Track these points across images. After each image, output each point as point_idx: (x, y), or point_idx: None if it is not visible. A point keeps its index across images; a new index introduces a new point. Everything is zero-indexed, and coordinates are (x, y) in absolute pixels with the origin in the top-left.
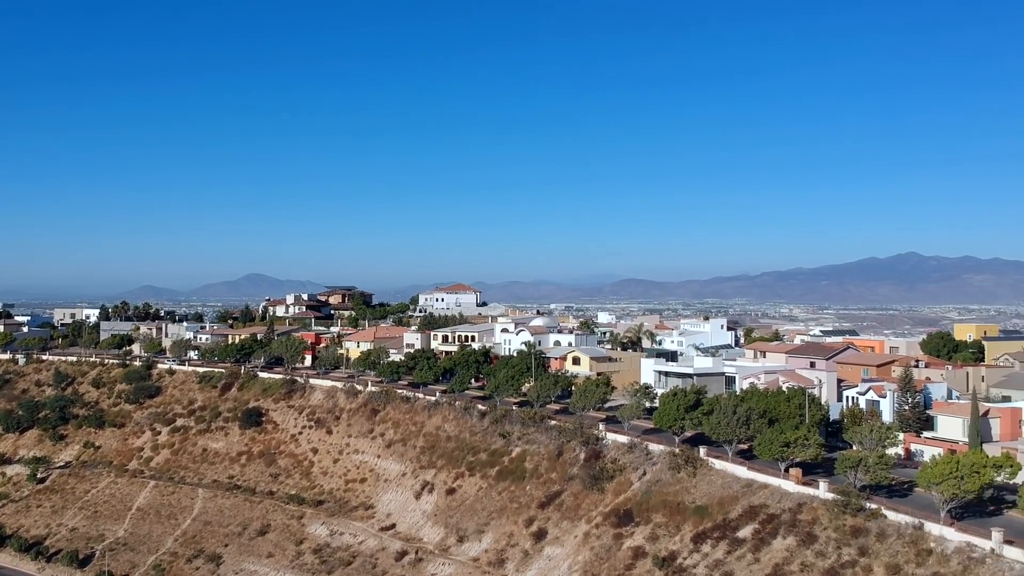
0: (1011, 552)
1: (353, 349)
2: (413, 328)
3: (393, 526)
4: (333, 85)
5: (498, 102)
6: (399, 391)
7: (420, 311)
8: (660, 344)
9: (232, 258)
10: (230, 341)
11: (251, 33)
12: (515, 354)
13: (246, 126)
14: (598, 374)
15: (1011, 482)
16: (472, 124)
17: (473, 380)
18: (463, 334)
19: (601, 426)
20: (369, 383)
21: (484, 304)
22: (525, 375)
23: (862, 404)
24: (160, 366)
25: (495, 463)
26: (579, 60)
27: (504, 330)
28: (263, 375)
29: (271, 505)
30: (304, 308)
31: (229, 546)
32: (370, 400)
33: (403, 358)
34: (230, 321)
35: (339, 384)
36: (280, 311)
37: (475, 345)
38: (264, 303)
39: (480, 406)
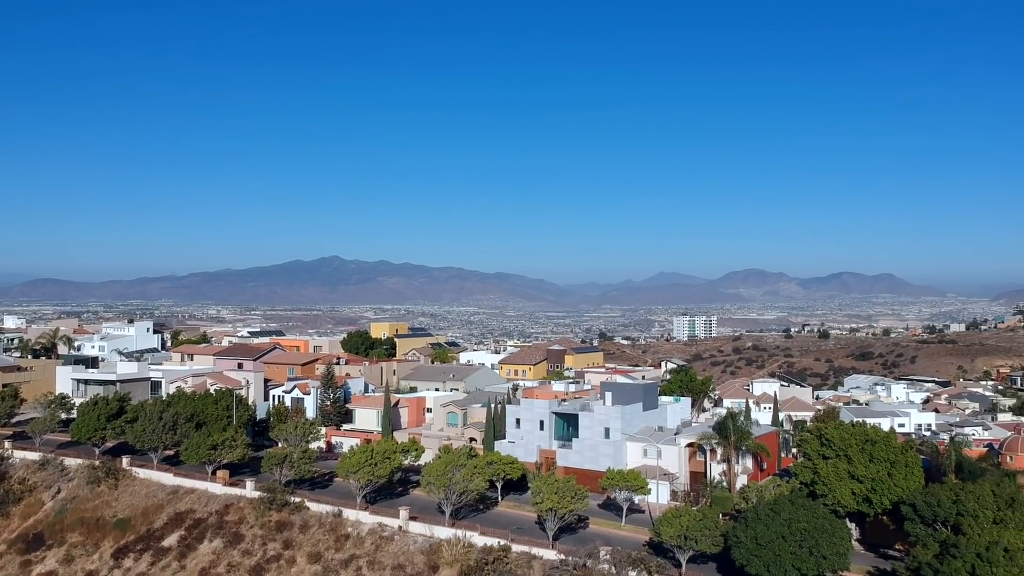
0: (415, 527)
1: None
2: None
3: None
4: None
5: None
6: None
7: None
8: (79, 349)
9: None
10: None
11: None
12: None
13: None
14: (4, 385)
15: (417, 464)
16: None
17: None
18: None
19: (7, 444)
20: None
21: None
22: None
23: (288, 402)
24: None
25: None
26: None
27: None
28: None
29: None
30: None
31: None
32: None
33: None
34: None
35: None
36: None
37: None
38: None
39: None
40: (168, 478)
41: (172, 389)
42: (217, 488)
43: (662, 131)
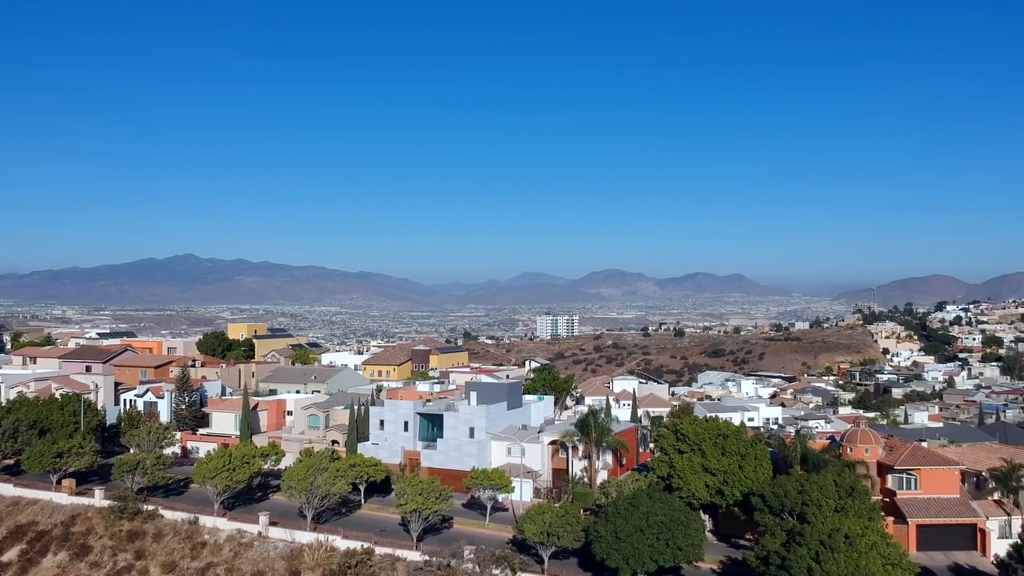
0: (276, 532)
1: None
2: None
3: None
4: None
5: None
6: None
7: None
8: None
9: None
10: None
11: None
12: None
13: None
14: None
15: (277, 468)
16: None
17: None
18: None
19: None
20: None
21: None
22: None
23: (140, 406)
24: None
25: None
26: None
27: None
28: None
29: None
30: None
31: None
32: None
33: None
34: None
35: None
36: None
37: None
38: None
39: None
40: (7, 489)
41: (13, 394)
42: (63, 498)
43: (520, 133)
